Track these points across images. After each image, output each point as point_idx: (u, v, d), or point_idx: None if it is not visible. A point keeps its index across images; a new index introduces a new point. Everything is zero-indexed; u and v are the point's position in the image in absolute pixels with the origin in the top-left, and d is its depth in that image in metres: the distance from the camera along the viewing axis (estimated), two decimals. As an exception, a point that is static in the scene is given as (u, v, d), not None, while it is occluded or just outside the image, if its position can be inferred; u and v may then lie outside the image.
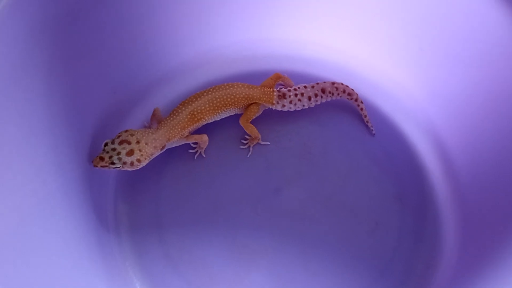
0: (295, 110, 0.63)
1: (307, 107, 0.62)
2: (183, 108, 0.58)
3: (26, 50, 0.47)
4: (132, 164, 0.53)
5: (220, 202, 0.59)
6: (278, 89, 0.62)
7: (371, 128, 0.63)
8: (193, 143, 0.62)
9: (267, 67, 0.67)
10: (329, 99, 0.63)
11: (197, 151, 0.62)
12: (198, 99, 0.59)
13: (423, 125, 0.64)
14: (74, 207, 0.53)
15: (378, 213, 0.59)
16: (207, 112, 0.59)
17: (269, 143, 0.63)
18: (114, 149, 0.52)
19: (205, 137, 0.60)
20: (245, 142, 0.63)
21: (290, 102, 0.61)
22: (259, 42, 0.67)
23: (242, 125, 0.61)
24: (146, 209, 0.59)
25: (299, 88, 0.62)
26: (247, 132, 0.62)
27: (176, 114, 0.58)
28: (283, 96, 0.61)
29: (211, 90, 0.59)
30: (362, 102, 0.63)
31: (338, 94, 0.63)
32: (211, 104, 0.59)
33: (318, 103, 0.63)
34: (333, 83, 0.62)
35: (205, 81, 0.66)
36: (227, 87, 0.60)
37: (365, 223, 0.59)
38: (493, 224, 0.53)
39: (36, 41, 0.48)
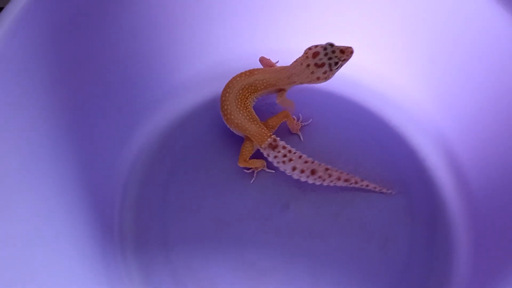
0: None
1: (287, 174, 0.58)
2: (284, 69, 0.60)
3: (29, 65, 0.46)
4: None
5: (226, 219, 0.59)
6: (274, 138, 0.58)
7: (386, 191, 0.59)
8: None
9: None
10: (318, 183, 0.58)
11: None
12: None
13: (434, 138, 0.62)
14: (78, 227, 0.52)
15: (388, 228, 0.58)
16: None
17: (273, 171, 0.61)
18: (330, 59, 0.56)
19: (289, 111, 0.61)
20: (248, 167, 0.61)
21: (275, 157, 0.57)
22: (265, 54, 0.65)
23: (241, 166, 0.59)
24: (152, 228, 0.58)
25: (294, 153, 0.57)
26: (250, 167, 0.60)
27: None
28: (273, 147, 0.57)
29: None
30: (362, 180, 0.59)
31: (332, 181, 0.58)
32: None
33: (302, 180, 0.57)
34: (326, 169, 0.57)
35: (211, 95, 0.65)
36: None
37: (375, 239, 0.58)
38: (507, 240, 0.52)
39: (39, 55, 0.47)
